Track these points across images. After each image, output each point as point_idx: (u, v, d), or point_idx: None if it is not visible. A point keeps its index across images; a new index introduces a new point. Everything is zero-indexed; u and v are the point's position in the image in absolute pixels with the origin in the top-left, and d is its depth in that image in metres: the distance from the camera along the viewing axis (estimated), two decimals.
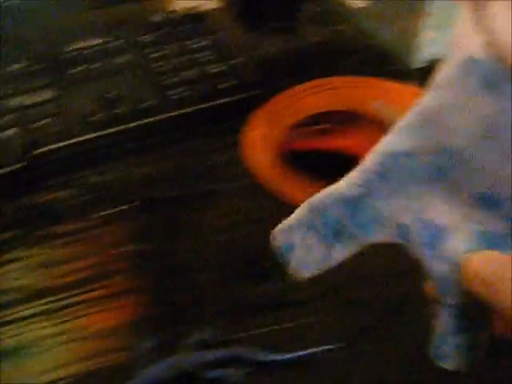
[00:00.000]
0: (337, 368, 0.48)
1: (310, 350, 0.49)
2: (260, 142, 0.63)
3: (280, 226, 0.42)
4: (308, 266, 0.41)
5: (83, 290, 0.53)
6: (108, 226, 0.58)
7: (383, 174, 0.37)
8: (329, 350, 0.49)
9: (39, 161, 0.62)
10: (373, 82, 0.66)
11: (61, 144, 0.63)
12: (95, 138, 0.63)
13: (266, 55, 0.75)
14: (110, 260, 0.56)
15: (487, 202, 0.35)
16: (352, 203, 0.39)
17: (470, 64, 0.33)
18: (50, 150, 0.63)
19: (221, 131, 0.66)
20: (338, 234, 0.40)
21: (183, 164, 0.64)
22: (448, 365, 0.39)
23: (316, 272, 0.42)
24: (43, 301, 0.52)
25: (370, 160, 0.38)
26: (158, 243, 0.57)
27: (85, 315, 0.52)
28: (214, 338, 0.50)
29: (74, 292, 0.53)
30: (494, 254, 0.34)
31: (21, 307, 0.52)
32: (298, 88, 0.67)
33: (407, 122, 0.36)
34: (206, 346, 0.50)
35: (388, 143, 0.37)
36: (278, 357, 0.49)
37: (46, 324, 0.51)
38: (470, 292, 0.34)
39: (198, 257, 0.56)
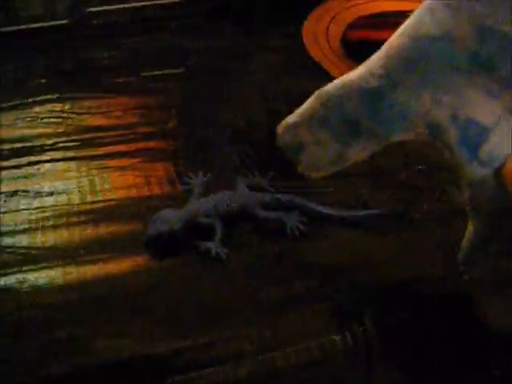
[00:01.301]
0: None
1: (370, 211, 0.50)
2: (322, 34, 0.70)
3: (284, 122, 0.38)
4: (320, 166, 0.38)
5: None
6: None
7: (411, 60, 0.32)
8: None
9: (85, 20, 0.69)
10: None
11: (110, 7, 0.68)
12: (146, 5, 0.68)
13: None
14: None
15: None
16: (373, 97, 0.34)
17: None
18: (98, 12, 0.69)
19: (281, 19, 0.72)
20: (355, 131, 0.36)
21: (236, 41, 0.71)
22: (473, 273, 0.38)
23: (329, 172, 0.39)
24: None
25: (394, 45, 0.32)
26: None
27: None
28: (272, 184, 0.52)
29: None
30: None
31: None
32: None
33: (443, 1, 0.30)
34: (263, 190, 0.51)
35: (419, 25, 0.31)
36: (338, 212, 0.49)
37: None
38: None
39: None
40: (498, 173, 0.31)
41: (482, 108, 0.32)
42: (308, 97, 0.39)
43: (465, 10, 0.31)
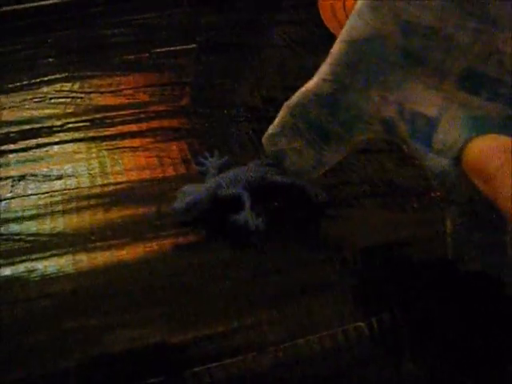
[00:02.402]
0: None
1: None
2: (339, 6, 0.69)
3: (266, 133, 0.40)
4: (303, 171, 0.40)
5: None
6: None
7: (352, 64, 0.34)
8: None
9: None
10: None
11: None
12: None
13: None
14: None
15: (474, 82, 0.31)
16: (329, 102, 0.36)
17: None
18: None
19: None
20: (324, 136, 0.37)
21: (250, 15, 0.71)
22: (467, 267, 0.37)
23: (315, 175, 0.41)
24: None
25: (336, 52, 0.34)
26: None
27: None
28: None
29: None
30: (496, 141, 0.29)
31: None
32: None
33: (367, 2, 0.32)
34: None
35: (351, 29, 0.33)
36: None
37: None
38: (474, 186, 0.30)
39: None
40: (458, 163, 0.31)
41: (424, 100, 0.33)
42: None
43: (387, 8, 0.32)
